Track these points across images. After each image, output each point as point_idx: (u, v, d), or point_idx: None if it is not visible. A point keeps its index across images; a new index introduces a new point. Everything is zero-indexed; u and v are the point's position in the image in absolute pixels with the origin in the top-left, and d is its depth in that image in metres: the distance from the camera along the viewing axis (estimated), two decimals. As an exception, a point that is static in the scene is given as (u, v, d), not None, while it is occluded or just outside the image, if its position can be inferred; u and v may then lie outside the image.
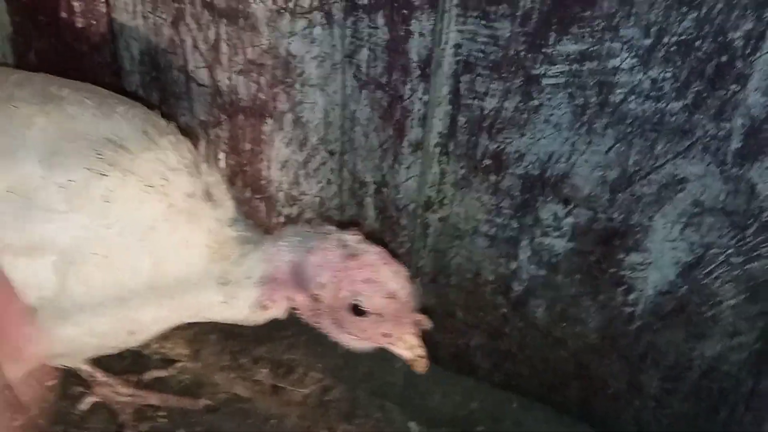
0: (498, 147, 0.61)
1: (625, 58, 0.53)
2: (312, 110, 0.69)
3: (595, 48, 0.53)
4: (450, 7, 0.56)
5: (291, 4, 0.63)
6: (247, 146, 0.75)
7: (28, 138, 0.55)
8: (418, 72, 0.61)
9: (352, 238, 0.56)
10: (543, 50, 0.55)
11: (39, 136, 0.55)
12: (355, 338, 0.57)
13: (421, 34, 0.59)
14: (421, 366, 0.56)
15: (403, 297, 0.55)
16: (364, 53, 0.63)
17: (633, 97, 0.54)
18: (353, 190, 0.72)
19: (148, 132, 0.58)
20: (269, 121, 0.71)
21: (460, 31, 0.57)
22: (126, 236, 0.55)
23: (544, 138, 0.59)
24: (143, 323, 0.59)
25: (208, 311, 0.60)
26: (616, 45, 0.52)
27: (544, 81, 0.56)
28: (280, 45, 0.66)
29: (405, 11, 0.58)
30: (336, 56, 0.64)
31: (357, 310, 0.55)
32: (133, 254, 0.55)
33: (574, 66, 0.55)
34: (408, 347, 0.56)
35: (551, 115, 0.57)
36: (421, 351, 0.56)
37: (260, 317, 0.60)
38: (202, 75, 0.72)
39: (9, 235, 0.53)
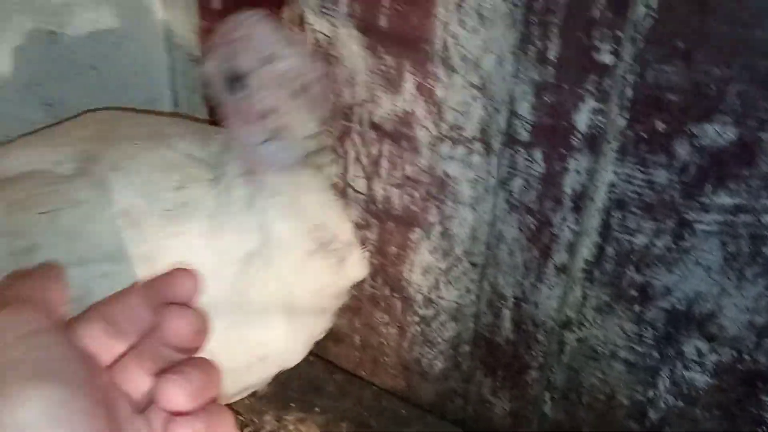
0: (645, 280, 0.67)
1: (781, 216, 0.58)
2: (460, 225, 0.77)
3: (751, 203, 0.58)
4: (608, 151, 0.64)
5: (454, 133, 0.72)
6: (393, 249, 0.83)
7: None
8: (570, 204, 0.68)
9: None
10: (698, 199, 0.61)
11: None
12: (240, 124, 0.51)
13: (577, 172, 0.66)
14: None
15: (289, 65, 0.47)
16: (518, 181, 0.70)
17: (787, 251, 0.59)
18: (491, 300, 0.79)
19: None
20: (417, 230, 0.80)
21: (615, 173, 0.64)
22: None
23: (693, 278, 0.64)
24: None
25: None
26: (773, 203, 0.58)
27: (697, 227, 0.62)
28: (438, 166, 0.75)
29: (564, 150, 0.66)
30: (490, 181, 0.72)
31: (234, 82, 0.49)
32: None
33: (728, 217, 0.60)
34: (302, 128, 0.47)
35: (702, 257, 0.63)
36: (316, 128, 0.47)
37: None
38: (360, 184, 0.81)
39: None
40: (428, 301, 0.84)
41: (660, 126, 0.60)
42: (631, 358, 0.71)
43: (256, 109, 0.50)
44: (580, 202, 0.67)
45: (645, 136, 0.61)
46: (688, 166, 0.60)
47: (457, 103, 0.70)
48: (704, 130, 0.58)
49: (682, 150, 0.60)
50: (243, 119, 0.51)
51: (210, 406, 0.32)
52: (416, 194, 0.78)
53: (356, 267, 0.71)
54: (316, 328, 0.71)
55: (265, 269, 0.63)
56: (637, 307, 0.69)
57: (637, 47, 0.58)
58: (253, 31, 0.50)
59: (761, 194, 0.58)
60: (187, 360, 0.33)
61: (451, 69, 0.69)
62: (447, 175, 0.74)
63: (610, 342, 0.72)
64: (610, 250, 0.68)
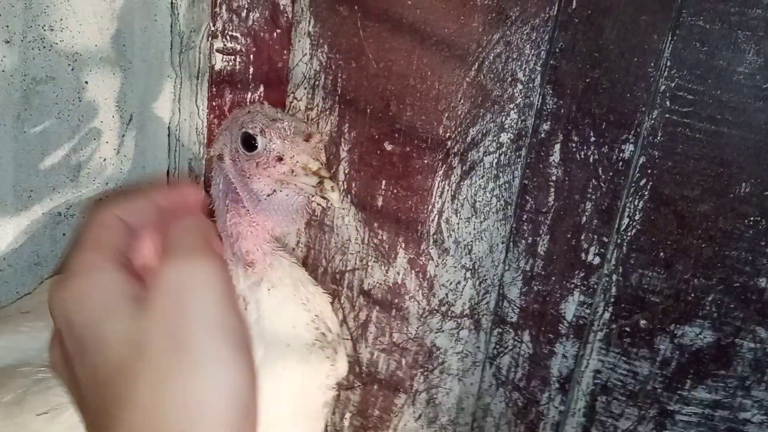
0: (628, 463, 0.73)
1: (755, 414, 0.65)
2: (447, 395, 0.82)
3: (728, 400, 0.66)
4: (594, 340, 0.71)
5: (444, 308, 0.78)
6: (376, 412, 0.88)
7: None
8: (557, 385, 0.75)
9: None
10: (678, 392, 0.68)
11: None
12: (258, 180, 0.62)
13: (564, 356, 0.73)
14: (333, 197, 0.58)
15: (290, 122, 0.61)
16: (506, 359, 0.77)
17: (762, 446, 0.66)
18: (476, 470, 0.84)
19: None
20: (402, 396, 0.85)
21: (600, 361, 0.71)
22: None
23: (674, 465, 0.71)
24: None
25: None
26: (747, 402, 0.65)
27: (678, 417, 0.69)
28: (427, 337, 0.81)
29: (551, 335, 0.73)
30: (479, 356, 0.79)
31: (248, 145, 0.61)
32: None
33: (707, 410, 0.68)
34: (308, 171, 0.60)
35: (683, 447, 0.70)
36: (325, 172, 0.59)
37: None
38: (346, 346, 0.86)
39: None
40: (410, 466, 0.88)
41: (642, 322, 0.68)
42: None
43: (269, 158, 0.61)
44: (566, 384, 0.74)
45: (628, 330, 0.69)
46: (670, 362, 0.68)
47: (448, 281, 0.77)
48: (684, 331, 0.66)
49: (663, 346, 0.68)
50: (256, 173, 0.62)
51: None
52: (403, 361, 0.83)
53: (344, 361, 0.76)
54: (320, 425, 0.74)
55: (273, 376, 0.66)
56: (621, 489, 0.75)
57: (621, 252, 0.67)
58: (257, 108, 0.65)
59: (737, 393, 0.66)
60: None
61: (443, 250, 0.76)
62: (435, 346, 0.81)
63: None
64: (594, 431, 0.74)
